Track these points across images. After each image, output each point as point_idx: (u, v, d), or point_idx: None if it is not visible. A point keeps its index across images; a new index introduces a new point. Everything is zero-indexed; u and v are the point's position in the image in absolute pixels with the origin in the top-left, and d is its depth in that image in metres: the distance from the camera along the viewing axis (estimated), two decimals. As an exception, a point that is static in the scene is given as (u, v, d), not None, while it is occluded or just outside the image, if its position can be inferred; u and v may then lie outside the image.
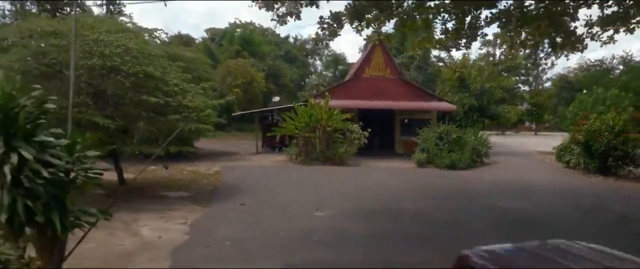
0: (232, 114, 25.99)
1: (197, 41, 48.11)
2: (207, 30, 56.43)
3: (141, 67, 10.56)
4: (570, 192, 13.08)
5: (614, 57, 49.52)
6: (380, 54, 22.20)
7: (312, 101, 19.21)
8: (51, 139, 4.20)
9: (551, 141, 24.51)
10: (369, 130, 19.16)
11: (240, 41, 43.30)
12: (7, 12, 25.36)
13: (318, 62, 59.92)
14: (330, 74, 51.25)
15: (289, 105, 21.95)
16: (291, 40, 58.11)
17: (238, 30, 59.09)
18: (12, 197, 4.00)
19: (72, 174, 4.33)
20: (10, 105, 4.21)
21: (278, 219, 9.30)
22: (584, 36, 12.07)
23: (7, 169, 3.93)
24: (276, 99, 33.70)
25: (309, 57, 58.84)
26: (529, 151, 25.30)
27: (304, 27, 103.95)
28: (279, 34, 58.22)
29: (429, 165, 17.89)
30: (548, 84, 55.97)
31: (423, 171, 17.14)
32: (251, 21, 58.57)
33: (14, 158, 3.93)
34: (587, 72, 46.69)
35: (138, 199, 11.13)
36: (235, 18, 60.38)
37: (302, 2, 9.30)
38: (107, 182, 9.77)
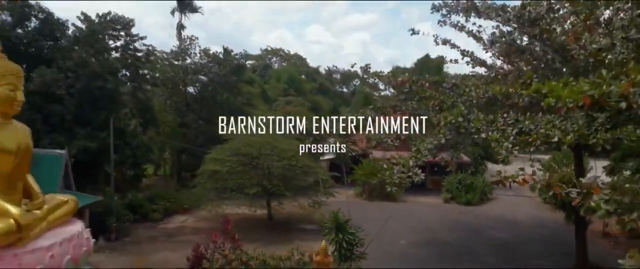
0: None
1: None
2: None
3: (300, 161, 19.88)
4: (537, 226, 22.15)
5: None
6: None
7: (371, 155, 28.51)
8: (353, 230, 13.29)
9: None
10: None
11: (286, 79, 52.27)
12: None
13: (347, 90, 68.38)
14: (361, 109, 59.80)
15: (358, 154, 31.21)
16: (322, 71, 66.90)
17: (273, 58, 68.46)
18: (345, 251, 13.15)
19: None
20: (339, 219, 13.40)
21: (381, 246, 18.36)
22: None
23: (345, 244, 13.09)
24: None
25: (339, 87, 67.55)
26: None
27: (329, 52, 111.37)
28: (306, 60, 67.12)
29: (452, 201, 27.20)
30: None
31: (448, 206, 26.48)
32: (281, 49, 67.97)
33: (345, 239, 13.08)
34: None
35: (291, 232, 20.29)
36: (267, 46, 69.73)
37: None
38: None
